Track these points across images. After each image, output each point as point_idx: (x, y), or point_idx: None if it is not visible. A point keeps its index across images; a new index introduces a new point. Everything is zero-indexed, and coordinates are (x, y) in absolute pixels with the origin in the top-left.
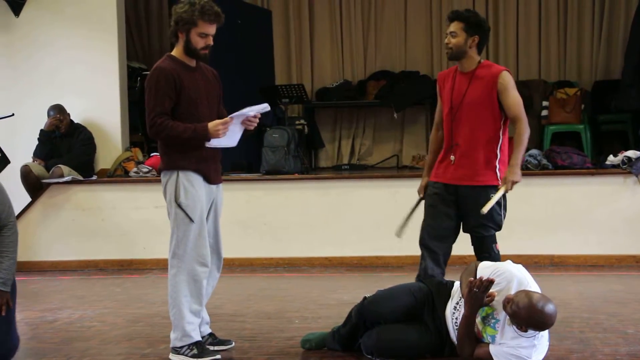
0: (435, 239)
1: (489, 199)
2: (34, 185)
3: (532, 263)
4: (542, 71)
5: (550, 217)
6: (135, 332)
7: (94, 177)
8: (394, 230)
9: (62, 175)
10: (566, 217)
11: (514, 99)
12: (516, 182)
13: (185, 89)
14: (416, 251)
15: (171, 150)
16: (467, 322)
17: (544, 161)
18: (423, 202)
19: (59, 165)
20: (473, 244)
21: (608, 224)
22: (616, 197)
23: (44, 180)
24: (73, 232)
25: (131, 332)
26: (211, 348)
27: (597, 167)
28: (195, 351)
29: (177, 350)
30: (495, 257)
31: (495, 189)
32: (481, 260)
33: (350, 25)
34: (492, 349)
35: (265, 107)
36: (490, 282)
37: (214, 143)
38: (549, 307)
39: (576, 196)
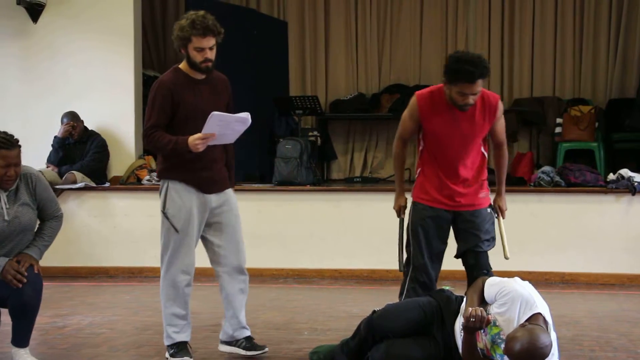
0: (431, 263)
1: (488, 216)
2: None
3: (543, 280)
4: (557, 88)
5: (562, 234)
6: (143, 340)
7: (107, 184)
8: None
9: (75, 182)
10: (578, 235)
11: (503, 126)
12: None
13: (184, 102)
14: None
15: (163, 160)
16: (468, 342)
17: (557, 178)
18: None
19: (72, 172)
20: (470, 262)
21: (620, 243)
22: (629, 215)
23: (57, 187)
24: (84, 239)
25: (140, 339)
26: (244, 352)
27: (609, 185)
28: (172, 351)
29: (166, 349)
30: (491, 273)
31: (490, 207)
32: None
33: (366, 38)
34: None
35: (246, 117)
36: (485, 318)
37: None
38: (531, 342)
39: (588, 214)
